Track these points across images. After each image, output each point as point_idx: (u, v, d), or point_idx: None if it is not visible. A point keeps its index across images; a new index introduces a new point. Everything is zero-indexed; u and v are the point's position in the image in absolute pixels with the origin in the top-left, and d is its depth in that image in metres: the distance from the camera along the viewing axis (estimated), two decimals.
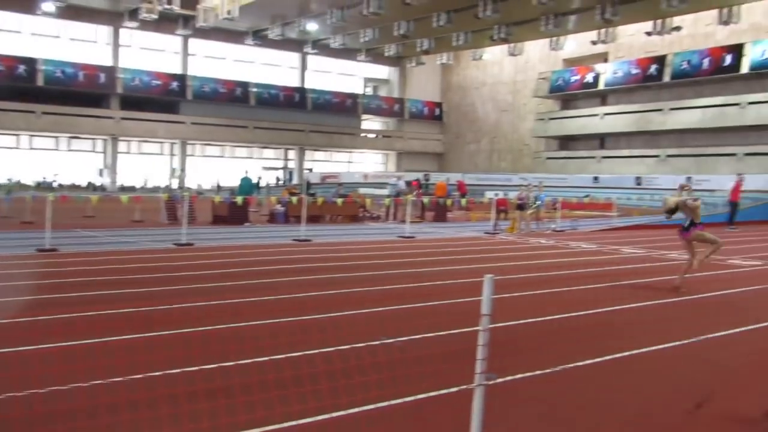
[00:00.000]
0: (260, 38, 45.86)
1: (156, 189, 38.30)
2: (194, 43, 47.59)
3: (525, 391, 4.86)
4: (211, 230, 18.62)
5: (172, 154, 48.26)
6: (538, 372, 5.00)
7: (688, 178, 10.97)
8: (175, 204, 21.08)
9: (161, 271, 10.53)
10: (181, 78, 46.27)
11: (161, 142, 47.81)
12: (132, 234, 16.62)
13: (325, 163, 55.24)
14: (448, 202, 25.05)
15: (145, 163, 46.80)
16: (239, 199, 19.70)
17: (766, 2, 33.57)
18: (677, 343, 6.32)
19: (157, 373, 4.47)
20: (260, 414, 3.83)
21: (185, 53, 47.53)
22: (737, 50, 36.63)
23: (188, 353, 4.98)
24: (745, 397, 4.70)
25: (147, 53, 46.31)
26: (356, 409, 4.16)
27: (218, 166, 48.65)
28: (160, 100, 45.33)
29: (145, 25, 41.30)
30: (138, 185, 44.23)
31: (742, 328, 6.18)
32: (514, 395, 4.67)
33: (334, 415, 4.00)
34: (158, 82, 45.05)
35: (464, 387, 3.61)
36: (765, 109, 35.68)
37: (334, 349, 5.09)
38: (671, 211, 9.80)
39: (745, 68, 36.21)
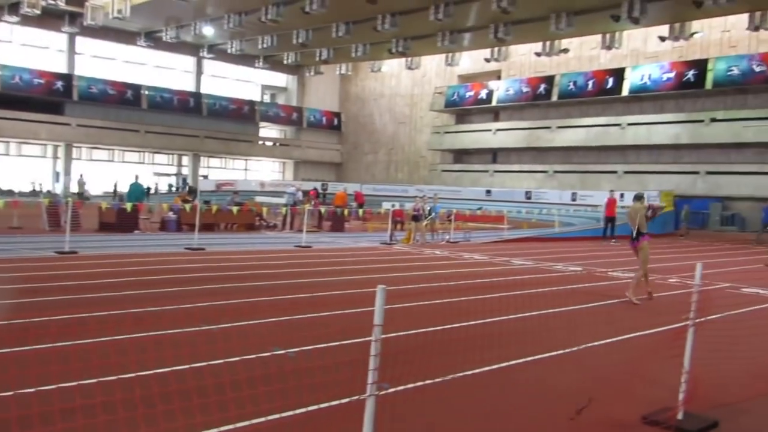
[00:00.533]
0: (153, 40, 44.31)
1: (37, 193, 36.11)
2: (82, 42, 45.33)
3: (415, 400, 4.90)
4: (98, 238, 17.76)
5: (55, 157, 45.73)
6: (428, 381, 5.06)
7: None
8: (58, 210, 20.00)
9: (40, 281, 9.92)
10: (67, 78, 43.94)
11: (44, 144, 45.22)
12: (9, 241, 15.58)
13: (221, 171, 54.05)
14: (346, 212, 25.11)
15: (27, 166, 44.11)
16: (128, 206, 18.92)
17: (645, 30, 35.85)
18: (560, 352, 6.59)
19: (29, 390, 4.17)
20: (144, 430, 3.65)
21: (72, 52, 45.18)
22: (619, 74, 38.92)
23: (65, 368, 4.68)
24: (622, 403, 4.94)
25: (29, 50, 43.68)
26: (246, 423, 4.05)
27: (107, 171, 46.52)
28: (43, 100, 42.75)
29: (27, 21, 38.90)
30: (19, 189, 41.50)
31: (619, 337, 6.51)
32: (404, 405, 4.70)
33: (223, 429, 3.87)
34: (41, 81, 42.52)
35: (356, 397, 3.59)
36: (642, 130, 38.10)
37: (223, 362, 4.95)
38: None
39: (625, 91, 38.50)
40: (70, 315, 6.99)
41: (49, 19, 39.33)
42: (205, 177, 50.36)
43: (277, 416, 4.15)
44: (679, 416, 4.67)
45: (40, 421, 3.73)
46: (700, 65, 35.48)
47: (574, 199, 37.67)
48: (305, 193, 31.75)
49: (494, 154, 47.23)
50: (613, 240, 24.00)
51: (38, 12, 35.47)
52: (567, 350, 6.61)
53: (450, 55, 42.34)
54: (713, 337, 6.17)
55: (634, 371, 5.23)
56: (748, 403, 5.39)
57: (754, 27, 30.47)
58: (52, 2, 33.82)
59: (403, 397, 4.76)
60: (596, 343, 6.54)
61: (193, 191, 40.09)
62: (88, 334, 5.95)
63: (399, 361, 4.40)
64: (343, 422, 4.02)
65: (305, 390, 4.34)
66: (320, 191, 41.72)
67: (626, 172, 38.82)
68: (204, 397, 4.12)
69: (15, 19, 38.14)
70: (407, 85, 52.45)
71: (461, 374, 5.45)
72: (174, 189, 46.18)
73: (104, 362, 4.81)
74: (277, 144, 56.88)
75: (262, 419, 4.14)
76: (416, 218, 21.01)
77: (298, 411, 4.26)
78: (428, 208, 21.22)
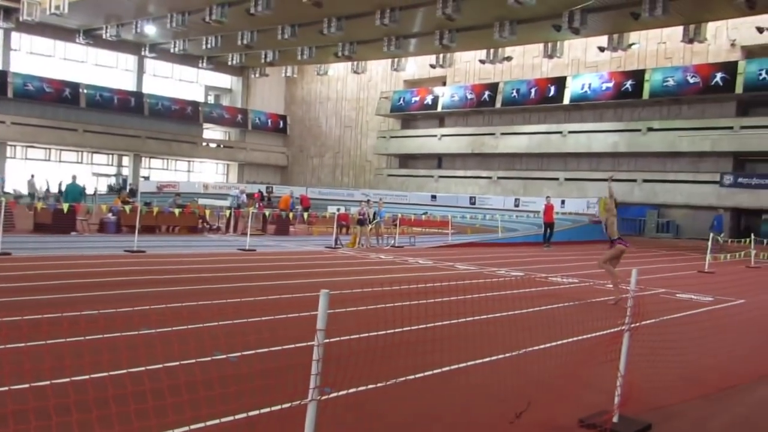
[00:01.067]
0: (92, 38, 43.19)
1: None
2: (17, 38, 43.87)
3: (357, 405, 4.90)
4: (32, 239, 17.20)
5: None
6: (370, 386, 5.07)
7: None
8: None
9: None
10: (2, 74, 42.37)
11: None
12: None
13: (164, 172, 52.99)
14: (291, 215, 24.94)
15: None
16: (65, 207, 18.35)
17: (585, 40, 36.82)
18: (500, 356, 6.70)
19: None
20: None
21: (6, 48, 43.62)
22: (560, 82, 39.83)
23: (5, 371, 4.52)
24: (559, 406, 5.05)
25: None
26: (185, 428, 3.98)
27: (43, 170, 45.02)
28: None
29: None
30: None
31: (558, 342, 6.66)
32: (346, 409, 4.69)
33: None
34: None
35: (297, 402, 3.57)
36: (582, 138, 39.05)
37: (162, 366, 4.85)
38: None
39: (566, 99, 39.41)
40: (1, 318, 6.73)
41: None
42: (147, 178, 49.28)
43: (217, 421, 4.08)
44: (615, 419, 4.80)
45: None
46: (638, 75, 36.62)
47: (517, 205, 38.36)
48: (249, 195, 31.39)
49: (439, 160, 47.68)
50: (546, 246, 24.49)
51: None
52: (507, 354, 6.72)
53: (396, 60, 42.64)
54: (648, 342, 6.36)
55: (572, 375, 5.35)
56: (681, 405, 5.57)
57: (688, 39, 31.71)
58: None
59: (344, 401, 4.76)
60: (536, 348, 6.67)
61: (132, 192, 39.23)
62: (21, 338, 5.74)
63: (341, 366, 4.40)
64: (285, 427, 3.99)
65: (246, 394, 4.29)
66: (265, 194, 41.35)
67: (567, 179, 39.73)
68: (142, 402, 4.02)
69: None
70: (353, 89, 52.51)
71: (404, 379, 5.47)
72: (114, 190, 44.94)
73: (38, 366, 4.65)
74: (222, 146, 56.12)
75: (202, 424, 4.07)
76: (361, 222, 21.05)
77: (239, 416, 4.20)
78: (373, 212, 21.28)
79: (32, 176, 36.32)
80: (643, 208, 35.89)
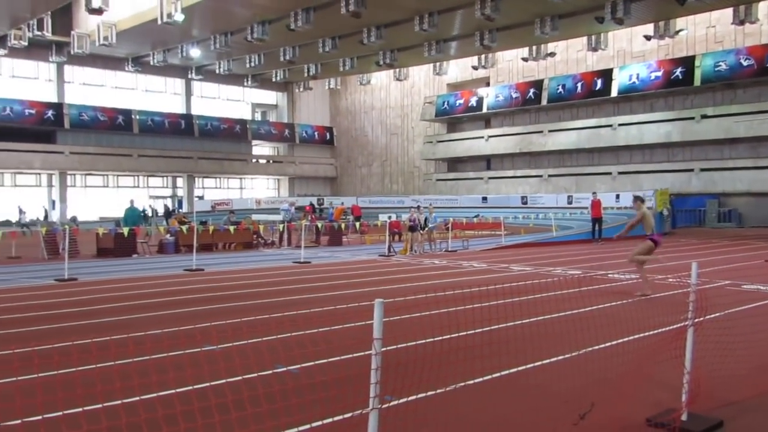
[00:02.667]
0: (141, 64, 44.47)
1: (34, 223, 35.97)
2: (70, 70, 45.50)
3: (418, 412, 4.89)
4: (96, 263, 17.75)
5: (50, 186, 45.73)
6: (431, 392, 5.06)
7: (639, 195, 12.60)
8: (55, 238, 20.01)
9: (40, 309, 9.91)
10: (57, 106, 44.01)
11: (38, 174, 45.23)
12: (8, 271, 15.56)
13: (217, 190, 54.09)
14: (342, 225, 25.12)
15: (21, 196, 44.03)
16: (125, 231, 18.92)
17: (630, 30, 36.10)
18: (562, 357, 6.60)
19: (36, 418, 4.17)
20: None
21: (61, 81, 45.31)
22: (607, 75, 39.10)
23: (70, 395, 4.68)
24: (625, 406, 4.94)
25: (18, 81, 43.80)
26: None
27: (101, 197, 46.52)
28: (35, 130, 42.85)
29: (15, 53, 39.10)
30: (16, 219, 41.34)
31: (621, 340, 6.52)
32: (409, 417, 4.69)
33: None
34: (32, 111, 42.59)
35: (359, 412, 3.59)
36: (633, 130, 38.23)
37: (225, 381, 4.95)
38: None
39: (614, 92, 38.66)
40: (71, 342, 6.97)
41: (36, 49, 39.49)
42: (201, 197, 50.37)
43: None
44: (684, 417, 4.67)
45: None
46: (688, 62, 35.69)
47: (570, 202, 37.76)
48: (300, 208, 31.78)
49: (488, 161, 47.35)
50: (598, 241, 24.17)
51: (25, 43, 35.72)
52: (569, 355, 6.62)
53: (437, 64, 42.57)
54: (715, 336, 6.18)
55: (637, 373, 5.23)
56: (754, 400, 5.38)
57: (738, 21, 30.70)
58: (39, 33, 33.94)
59: (406, 409, 4.76)
60: (598, 347, 6.54)
61: (170, 213, 40.08)
62: (91, 360, 5.93)
63: (402, 373, 4.40)
64: None
65: (308, 406, 4.34)
66: (316, 206, 41.77)
67: (620, 173, 38.94)
68: (208, 417, 4.11)
69: (2, 51, 38.35)
70: (397, 96, 52.65)
71: (464, 384, 5.45)
72: (164, 213, 45.94)
73: (108, 388, 4.80)
74: (271, 161, 56.99)
75: None
76: (413, 229, 21.03)
77: (302, 427, 4.25)
78: (424, 218, 21.25)
79: (19, 206, 36.09)
80: (702, 198, 34.88)
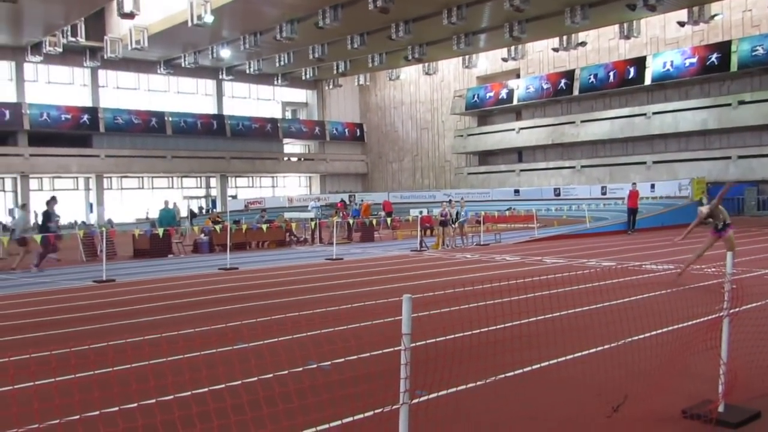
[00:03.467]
0: (172, 67, 45.05)
1: (72, 225, 36.77)
2: (104, 75, 46.30)
3: (453, 406, 4.89)
4: (133, 264, 18.07)
5: (87, 189, 46.64)
6: (463, 387, 5.05)
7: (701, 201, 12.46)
8: (93, 240, 20.41)
9: (80, 311, 10.12)
10: (92, 111, 44.82)
11: (75, 177, 46.16)
12: (48, 274, 15.92)
13: (249, 189, 54.59)
14: (374, 221, 25.16)
15: (60, 200, 44.98)
16: (160, 231, 19.21)
17: (663, 16, 35.45)
18: (595, 349, 6.52)
19: (74, 417, 4.25)
20: None
21: (95, 85, 46.14)
22: (640, 63, 38.44)
23: (106, 394, 4.77)
24: (660, 397, 4.86)
25: (54, 87, 44.70)
26: None
27: (137, 199, 47.26)
28: (72, 135, 43.72)
29: (50, 59, 39.99)
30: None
31: (656, 332, 6.42)
32: (442, 411, 4.69)
33: None
34: (68, 116, 43.46)
35: (389, 407, 3.59)
36: (668, 118, 37.54)
37: (257, 379, 4.99)
38: (705, 220, 11.31)
39: (648, 80, 37.99)
40: (109, 342, 7.11)
41: (70, 55, 40.26)
42: (234, 197, 50.89)
43: (313, 429, 4.17)
44: (720, 408, 4.58)
45: None
46: (723, 48, 34.88)
47: (604, 193, 37.27)
48: (331, 205, 31.90)
49: (519, 153, 46.96)
50: (631, 231, 24.02)
51: (60, 50, 36.48)
52: (603, 347, 6.54)
53: (467, 57, 42.33)
54: (753, 326, 6.05)
55: (672, 365, 5.14)
56: None
57: None
58: (73, 39, 34.61)
59: (437, 403, 4.76)
60: (633, 339, 6.45)
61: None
62: (127, 360, 6.04)
63: (435, 368, 4.40)
64: (384, 429, 4.02)
65: (339, 402, 4.35)
66: (348, 203, 41.89)
67: (655, 162, 38.29)
68: (240, 414, 4.16)
69: (38, 58, 39.26)
70: (426, 90, 52.50)
71: (496, 378, 5.42)
72: (202, 212, 46.53)
73: (143, 386, 4.88)
74: (302, 159, 57.30)
75: None
76: (444, 223, 20.97)
77: (333, 424, 4.27)
78: (455, 212, 21.16)
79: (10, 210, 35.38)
80: (740, 186, 34.07)
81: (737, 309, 4.76)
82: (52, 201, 18.03)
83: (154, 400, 4.76)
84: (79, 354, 6.77)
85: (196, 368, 5.42)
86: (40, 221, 18.72)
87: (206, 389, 4.90)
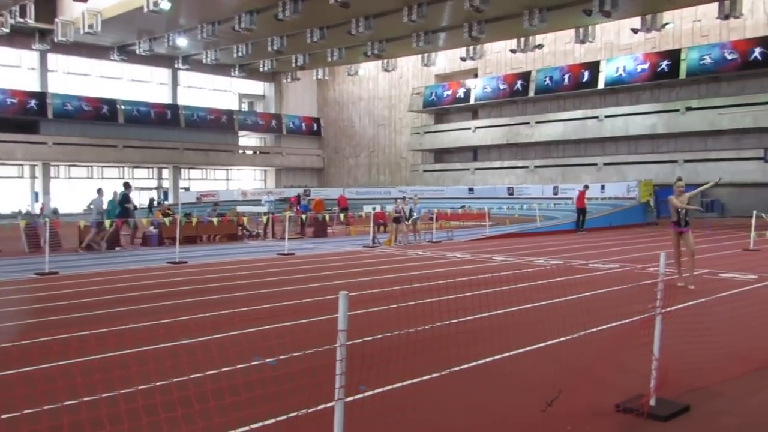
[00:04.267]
0: (126, 53, 44.07)
1: (15, 215, 35.73)
2: (54, 59, 45.02)
3: (395, 400, 4.98)
4: (78, 257, 17.67)
5: (33, 177, 45.35)
6: (406, 382, 5.15)
7: (680, 178, 11.78)
8: (37, 231, 19.85)
9: (18, 304, 9.88)
10: (41, 96, 43.56)
11: (20, 165, 44.82)
12: None
13: (203, 182, 53.86)
14: (327, 217, 25.13)
15: (4, 188, 43.69)
16: (108, 223, 18.81)
17: (617, 22, 36.23)
18: (536, 345, 6.70)
19: (16, 414, 4.20)
20: None
21: (44, 69, 44.82)
22: (594, 67, 39.27)
23: (51, 387, 4.72)
24: (596, 392, 5.04)
25: (0, 70, 43.35)
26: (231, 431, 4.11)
27: (85, 189, 46.13)
28: (18, 120, 42.37)
29: None
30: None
31: (596, 328, 6.63)
32: (384, 405, 4.77)
33: None
34: (14, 101, 42.12)
35: (323, 405, 3.66)
36: (619, 121, 38.51)
37: (202, 375, 5.00)
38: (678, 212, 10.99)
39: (601, 84, 38.85)
40: (51, 337, 7.00)
41: (18, 37, 39.12)
42: (187, 189, 50.15)
43: (260, 424, 4.22)
44: (652, 402, 4.78)
45: None
46: (674, 55, 35.91)
47: (555, 193, 38.00)
48: (285, 200, 31.74)
49: (475, 152, 47.48)
50: (582, 231, 24.66)
51: (7, 30, 35.35)
52: (545, 343, 6.72)
53: (426, 55, 42.56)
54: (688, 323, 6.30)
55: (609, 361, 5.34)
56: (722, 385, 5.51)
57: (723, 15, 30.91)
58: (21, 20, 33.51)
59: (380, 398, 4.85)
60: (574, 335, 6.65)
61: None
62: (70, 354, 5.97)
63: (378, 363, 4.48)
64: (322, 425, 4.08)
65: (285, 395, 4.40)
66: (303, 198, 41.69)
67: (606, 164, 39.22)
68: (188, 406, 4.17)
69: None
70: (384, 87, 52.61)
71: (438, 374, 5.54)
72: (154, 203, 45.64)
73: (89, 380, 4.84)
74: (258, 152, 56.82)
75: (246, 428, 4.21)
76: (397, 220, 21.09)
77: (279, 418, 4.32)
78: (409, 209, 21.30)
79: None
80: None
81: (668, 309, 4.96)
82: (128, 186, 20.50)
83: (98, 396, 4.72)
84: (23, 348, 6.65)
85: (144, 362, 5.40)
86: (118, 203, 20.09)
87: (153, 384, 4.89)
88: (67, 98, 44.36)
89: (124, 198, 19.88)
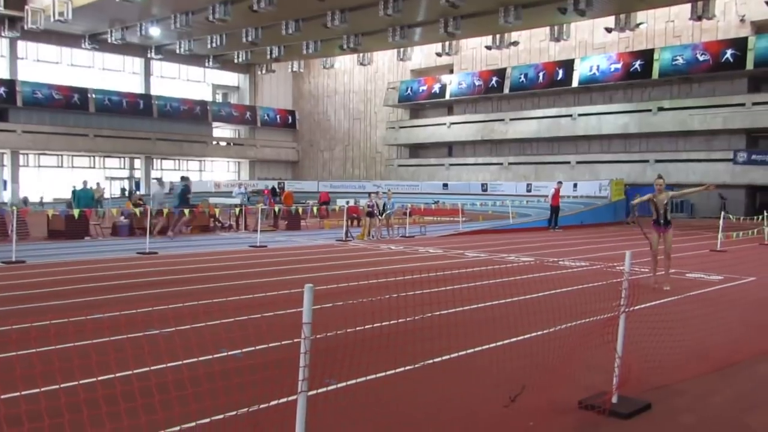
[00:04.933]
0: (98, 42, 43.36)
1: None
2: (23, 46, 44.18)
3: (361, 393, 4.96)
4: (47, 246, 17.40)
5: (1, 165, 44.49)
6: (371, 376, 5.13)
7: (660, 176, 11.59)
8: (4, 219, 19.51)
9: None
10: (10, 83, 42.69)
11: None
12: None
13: (175, 172, 53.24)
14: (300, 210, 25.03)
15: None
16: (76, 212, 18.54)
17: (591, 21, 36.52)
18: (502, 342, 6.74)
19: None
20: (109, 427, 3.67)
21: (13, 57, 43.95)
22: (568, 65, 39.55)
23: (8, 377, 4.62)
24: (560, 389, 5.08)
25: None
26: (192, 423, 4.06)
27: (55, 178, 45.42)
28: None
29: None
30: None
31: (562, 326, 6.67)
32: (348, 399, 4.76)
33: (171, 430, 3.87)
34: None
35: (287, 398, 3.63)
36: (593, 120, 38.83)
37: (165, 366, 4.94)
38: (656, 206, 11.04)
39: (575, 82, 39.15)
40: (10, 327, 6.85)
41: None
42: (159, 179, 49.47)
43: (221, 416, 4.17)
44: (614, 400, 4.83)
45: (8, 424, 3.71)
46: (647, 55, 36.30)
47: (529, 190, 38.24)
48: (258, 192, 31.56)
49: (450, 148, 47.60)
50: (556, 228, 24.88)
51: None
52: (510, 340, 6.76)
53: (402, 50, 42.52)
54: (653, 322, 6.38)
55: (573, 358, 5.37)
56: (684, 383, 5.59)
57: (696, 17, 31.26)
58: None
59: (345, 391, 4.83)
60: (540, 332, 6.69)
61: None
62: (31, 344, 5.85)
63: (344, 356, 4.46)
64: (287, 417, 4.06)
65: (248, 387, 4.36)
66: (277, 189, 41.48)
67: (579, 162, 39.55)
68: (148, 397, 4.11)
69: None
70: (360, 81, 52.49)
71: (404, 369, 5.55)
72: (125, 194, 45.07)
73: (48, 368, 4.75)
74: (232, 144, 56.34)
75: (207, 420, 4.17)
76: (371, 214, 21.08)
77: (241, 411, 4.28)
78: (382, 203, 21.30)
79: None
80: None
81: (632, 308, 5.01)
82: (187, 178, 22.49)
83: (57, 386, 4.64)
84: None
85: (104, 353, 5.31)
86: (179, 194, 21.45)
87: (113, 376, 4.81)
88: (36, 86, 43.57)
89: (185, 189, 21.38)
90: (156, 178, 21.63)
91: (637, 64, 36.53)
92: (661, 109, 36.14)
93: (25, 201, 36.77)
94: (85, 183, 23.00)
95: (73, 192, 23.52)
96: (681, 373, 5.76)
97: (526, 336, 6.77)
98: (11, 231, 15.50)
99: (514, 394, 4.68)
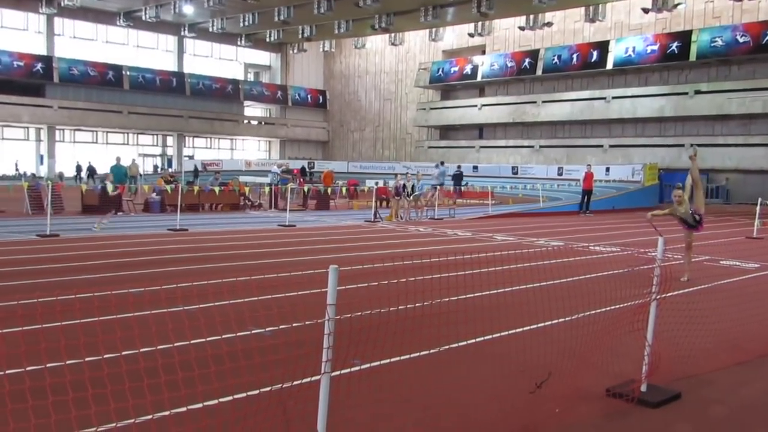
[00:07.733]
0: (133, 20, 43.75)
1: (21, 177, 35.71)
2: (60, 23, 44.74)
3: (385, 376, 4.94)
4: (80, 220, 17.67)
5: (38, 140, 45.31)
6: (396, 358, 5.10)
7: (678, 186, 11.13)
8: (40, 193, 19.87)
9: (19, 264, 9.88)
10: (47, 59, 43.35)
11: (26, 127, 44.75)
12: None
13: (207, 150, 53.74)
14: (329, 190, 25.05)
15: (9, 150, 43.67)
16: (110, 188, 18.79)
17: (628, 1, 35.75)
18: (530, 327, 6.65)
19: (21, 370, 4.17)
20: (131, 402, 3.70)
21: (50, 33, 44.56)
22: (603, 47, 38.81)
23: (54, 345, 4.68)
24: (587, 376, 4.99)
25: (7, 32, 43.04)
26: (227, 397, 4.08)
27: (90, 153, 46.10)
28: (24, 83, 42.26)
29: (4, 2, 38.45)
30: (2, 173, 41.04)
31: (591, 312, 6.56)
32: (374, 380, 4.73)
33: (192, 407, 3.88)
34: (20, 63, 41.96)
35: (310, 378, 3.61)
36: (627, 103, 38.12)
37: (196, 342, 4.96)
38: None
39: (609, 64, 38.43)
40: (54, 297, 6.95)
41: (26, 0, 38.78)
42: (191, 157, 50.07)
43: (244, 394, 4.18)
44: (643, 388, 4.72)
45: (33, 396, 3.82)
46: (684, 37, 35.44)
47: (560, 174, 37.76)
48: (288, 171, 31.63)
49: (480, 130, 47.18)
50: (588, 213, 24.43)
51: None
52: (539, 325, 6.66)
53: (433, 30, 42.16)
54: (685, 310, 6.22)
55: (602, 345, 5.27)
56: (715, 373, 5.45)
57: None
58: None
59: (370, 372, 4.81)
60: (568, 318, 6.58)
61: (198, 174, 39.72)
62: (56, 317, 5.93)
63: (369, 338, 4.43)
64: (310, 398, 4.05)
65: (271, 366, 4.35)
66: (307, 169, 41.59)
67: (612, 146, 38.93)
68: (172, 373, 4.13)
69: None
70: (391, 61, 52.18)
71: (428, 352, 5.50)
72: (160, 171, 45.62)
73: (73, 342, 4.80)
74: (263, 123, 56.59)
75: (236, 396, 4.18)
76: (399, 195, 21.00)
77: (263, 389, 4.28)
78: (411, 185, 21.19)
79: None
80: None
81: (664, 295, 4.88)
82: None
83: (100, 357, 4.69)
84: (7, 308, 6.61)
85: (128, 327, 5.35)
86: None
87: (137, 351, 4.84)
88: (73, 62, 44.15)
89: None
90: (441, 162, 22.83)
91: (674, 45, 35.71)
92: (698, 92, 35.33)
93: (61, 176, 37.39)
94: (118, 159, 23.24)
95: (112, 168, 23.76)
96: (712, 363, 5.63)
97: (553, 321, 6.67)
98: (47, 205, 15.76)
99: (541, 380, 4.60)
